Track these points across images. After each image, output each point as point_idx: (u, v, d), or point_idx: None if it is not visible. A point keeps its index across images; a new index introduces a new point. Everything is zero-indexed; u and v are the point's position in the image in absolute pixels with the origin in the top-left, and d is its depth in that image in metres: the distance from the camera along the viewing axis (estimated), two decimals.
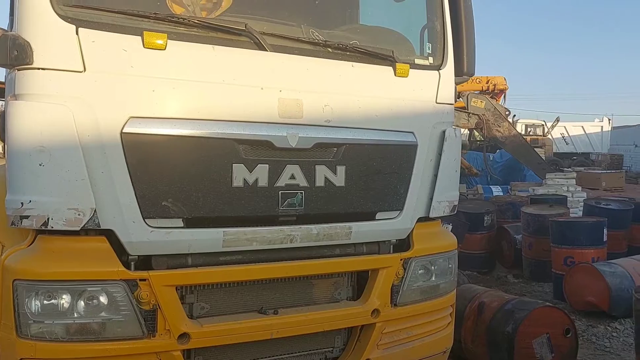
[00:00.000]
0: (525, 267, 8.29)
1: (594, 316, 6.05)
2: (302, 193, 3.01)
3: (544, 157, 17.41)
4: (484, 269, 8.78)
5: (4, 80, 3.13)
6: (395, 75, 3.28)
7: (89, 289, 2.64)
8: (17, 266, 2.61)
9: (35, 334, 2.58)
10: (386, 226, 3.35)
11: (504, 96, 19.44)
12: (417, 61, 3.48)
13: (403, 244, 3.49)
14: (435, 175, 3.49)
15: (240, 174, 2.85)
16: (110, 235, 2.69)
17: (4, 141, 3.17)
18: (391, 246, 3.44)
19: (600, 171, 23.86)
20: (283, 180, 2.95)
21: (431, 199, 3.49)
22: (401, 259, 3.40)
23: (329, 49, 3.14)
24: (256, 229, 2.94)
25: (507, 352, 4.43)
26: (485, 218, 8.69)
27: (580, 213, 10.10)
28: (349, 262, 3.27)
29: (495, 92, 18.79)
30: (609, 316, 6.01)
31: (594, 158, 33.98)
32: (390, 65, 3.28)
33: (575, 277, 6.29)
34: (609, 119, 36.83)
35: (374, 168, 3.24)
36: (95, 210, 2.60)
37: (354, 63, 3.17)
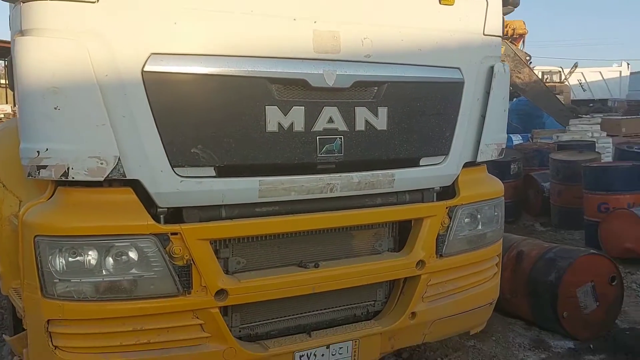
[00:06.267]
0: (554, 215, 8.05)
1: (632, 263, 5.83)
2: (341, 138, 2.76)
3: None
4: (510, 217, 8.50)
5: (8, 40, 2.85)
6: (440, 3, 2.95)
7: (117, 244, 2.44)
8: (37, 221, 2.41)
9: (61, 294, 2.40)
10: (431, 172, 3.10)
11: (523, 41, 18.73)
12: None
13: (447, 191, 3.25)
14: (483, 116, 3.21)
15: (274, 118, 2.59)
16: (136, 186, 2.47)
17: (12, 89, 2.91)
18: (435, 194, 3.20)
19: (620, 117, 23.25)
20: (320, 124, 2.70)
21: (479, 141, 3.22)
22: (447, 207, 3.16)
23: None
24: (294, 177, 2.70)
25: (549, 302, 4.23)
26: (512, 166, 8.38)
27: (609, 158, 9.79)
28: (392, 212, 3.04)
29: (514, 37, 18.07)
30: None
31: (611, 104, 33.13)
32: None
33: (613, 223, 6.04)
34: (628, 64, 35.72)
35: (417, 109, 2.96)
36: (119, 159, 2.36)
37: None
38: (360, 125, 2.79)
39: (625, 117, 23.57)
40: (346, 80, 2.71)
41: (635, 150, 7.98)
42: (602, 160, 8.29)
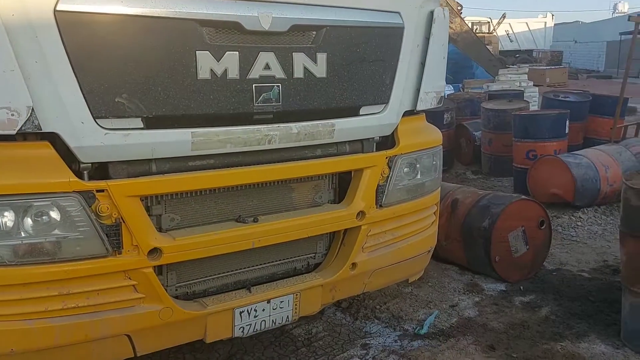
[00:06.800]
0: (484, 163, 8.30)
1: (558, 207, 6.12)
2: (278, 86, 2.61)
3: None
4: (443, 166, 8.66)
5: None
6: None
7: (36, 203, 2.22)
8: None
9: None
10: (371, 122, 3.02)
11: None
12: None
13: (387, 141, 3.20)
14: (423, 64, 3.15)
15: (206, 64, 2.40)
16: (54, 140, 2.24)
17: None
18: (374, 144, 3.14)
19: (545, 67, 24.17)
20: (257, 72, 2.53)
21: (418, 89, 3.17)
22: (386, 157, 3.12)
23: None
24: (229, 128, 2.55)
25: (483, 247, 4.37)
26: (445, 115, 8.51)
27: (536, 107, 10.14)
28: (333, 163, 2.96)
29: None
30: (571, 206, 6.10)
31: (536, 55, 34.31)
32: None
33: (540, 169, 6.27)
34: (552, 15, 36.91)
35: (357, 55, 2.85)
36: (32, 109, 2.11)
37: None
38: (298, 73, 2.66)
39: (549, 67, 24.60)
40: (283, 24, 2.54)
41: (561, 99, 8.28)
42: (529, 109, 8.56)
